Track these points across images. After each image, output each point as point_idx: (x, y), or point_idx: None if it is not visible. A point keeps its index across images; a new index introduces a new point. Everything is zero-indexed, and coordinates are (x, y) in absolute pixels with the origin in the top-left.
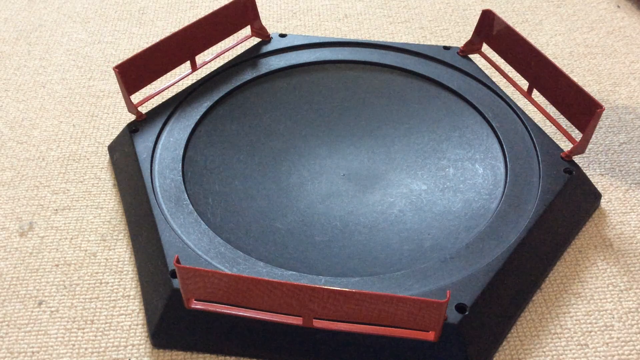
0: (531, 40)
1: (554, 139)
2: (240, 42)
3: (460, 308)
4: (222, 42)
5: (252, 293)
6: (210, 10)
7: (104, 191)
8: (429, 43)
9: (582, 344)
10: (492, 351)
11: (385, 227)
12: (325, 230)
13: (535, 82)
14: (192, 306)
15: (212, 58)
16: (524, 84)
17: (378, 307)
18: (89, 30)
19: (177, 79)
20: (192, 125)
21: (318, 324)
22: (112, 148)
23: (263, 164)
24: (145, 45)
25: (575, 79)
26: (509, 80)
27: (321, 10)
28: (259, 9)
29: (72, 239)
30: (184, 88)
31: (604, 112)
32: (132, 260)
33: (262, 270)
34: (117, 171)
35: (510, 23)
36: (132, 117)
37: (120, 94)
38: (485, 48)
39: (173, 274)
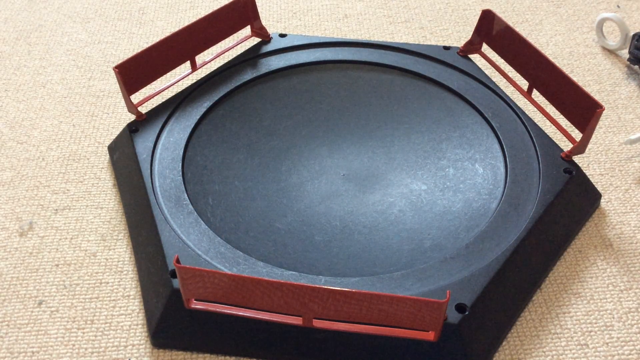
0: (531, 40)
1: (554, 139)
2: (240, 42)
3: (460, 308)
4: (222, 42)
5: (252, 293)
6: (210, 10)
7: (104, 191)
8: (429, 43)
9: (582, 344)
10: (492, 351)
11: (385, 227)
12: (325, 230)
13: (535, 82)
14: (192, 306)
15: (212, 58)
16: (524, 84)
17: (378, 307)
18: (89, 30)
19: (177, 79)
20: (192, 125)
21: (318, 324)
22: (112, 148)
23: (263, 164)
24: (145, 45)
25: (575, 79)
26: (509, 80)
27: (321, 10)
28: (259, 9)
29: (72, 239)
30: (184, 88)
31: (604, 112)
32: (132, 260)
33: (262, 270)
34: (117, 171)
35: (510, 23)
36: (132, 117)
37: (120, 94)
38: (485, 48)
39: (173, 274)
